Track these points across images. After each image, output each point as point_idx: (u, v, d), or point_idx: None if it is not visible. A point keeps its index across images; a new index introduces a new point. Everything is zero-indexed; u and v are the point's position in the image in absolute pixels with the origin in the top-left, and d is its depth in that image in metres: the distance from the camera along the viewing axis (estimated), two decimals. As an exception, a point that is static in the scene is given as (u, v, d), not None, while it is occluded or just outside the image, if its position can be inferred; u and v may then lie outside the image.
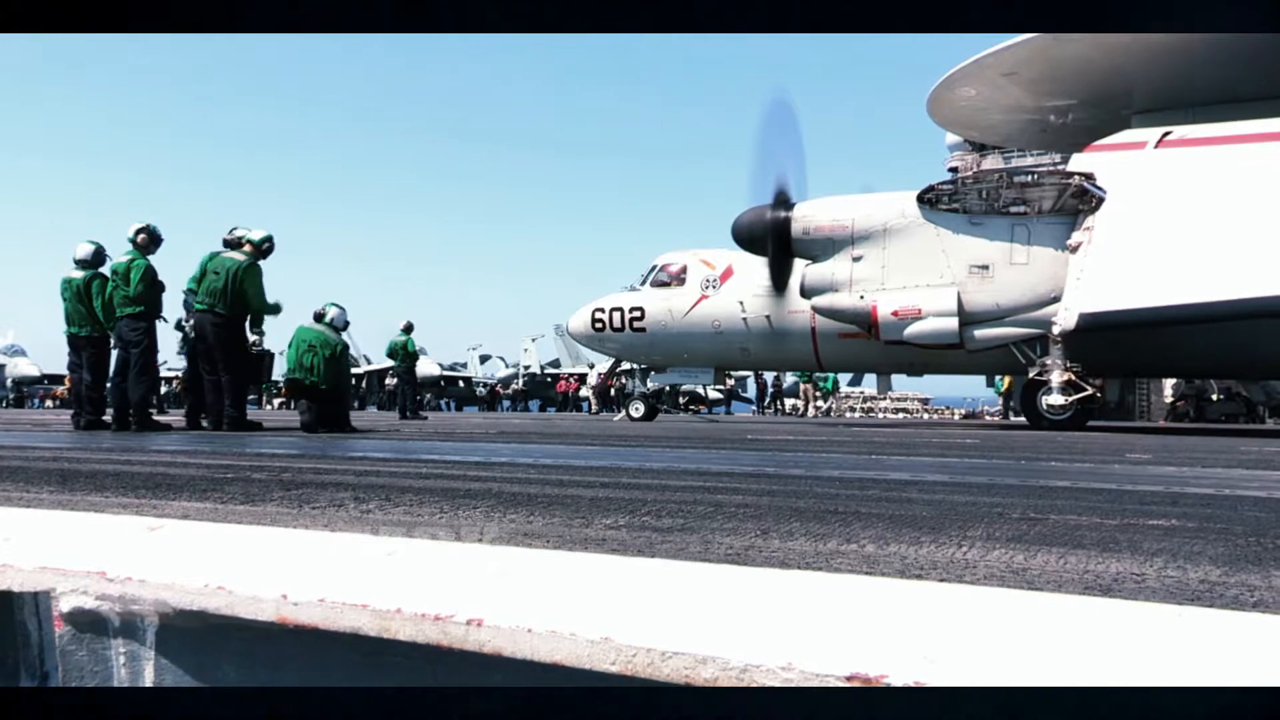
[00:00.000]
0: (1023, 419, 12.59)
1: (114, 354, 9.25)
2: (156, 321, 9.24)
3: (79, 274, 9.13)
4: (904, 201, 12.59)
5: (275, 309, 9.54)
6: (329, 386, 9.37)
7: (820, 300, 12.93)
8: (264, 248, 9.46)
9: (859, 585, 1.38)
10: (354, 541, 1.73)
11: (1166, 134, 11.16)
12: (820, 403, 32.23)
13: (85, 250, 9.24)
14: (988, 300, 11.86)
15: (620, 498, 2.94)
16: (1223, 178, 10.39)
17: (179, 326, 10.60)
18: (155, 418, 9.48)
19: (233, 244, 9.49)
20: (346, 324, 9.93)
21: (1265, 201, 9.97)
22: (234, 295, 9.06)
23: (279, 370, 12.00)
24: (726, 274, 14.77)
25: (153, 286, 9.13)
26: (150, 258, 9.22)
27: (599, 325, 15.49)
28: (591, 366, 38.43)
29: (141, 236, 9.25)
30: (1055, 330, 11.18)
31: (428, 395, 39.14)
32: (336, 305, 9.82)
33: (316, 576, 1.46)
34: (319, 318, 9.73)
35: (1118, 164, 11.31)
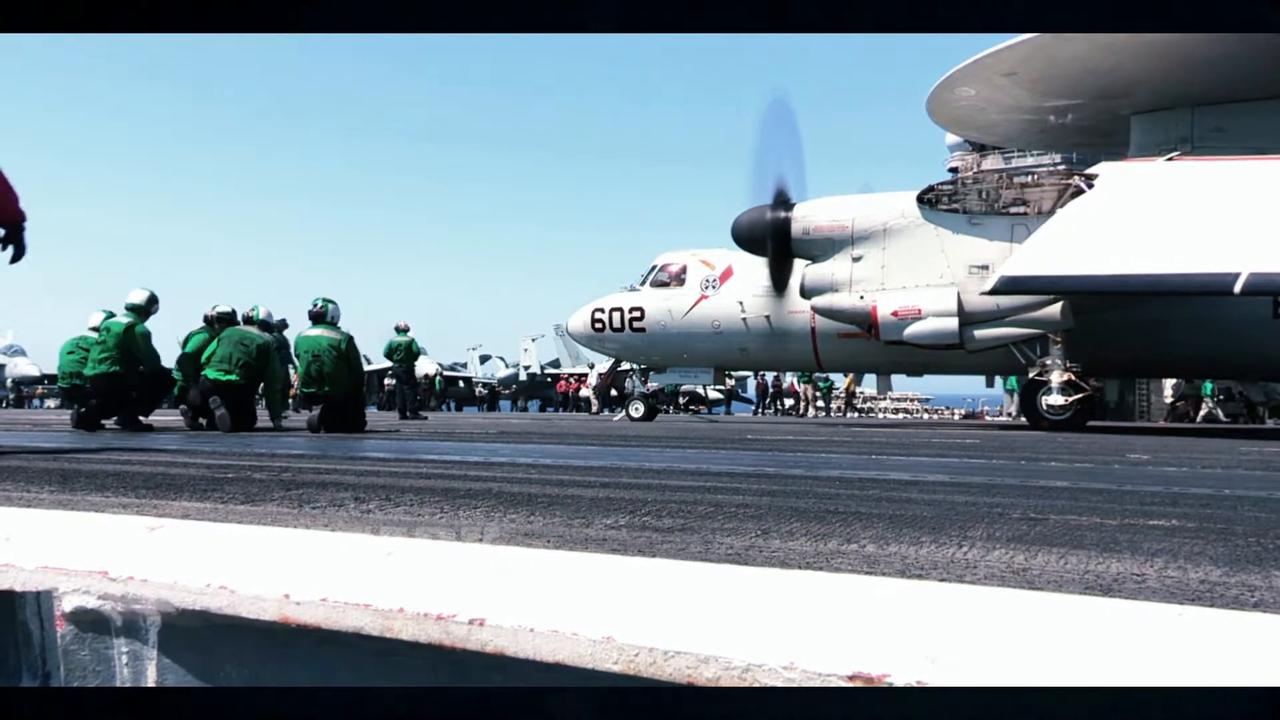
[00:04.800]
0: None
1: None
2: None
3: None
4: (904, 202, 12.59)
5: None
6: (343, 391, 9.40)
7: (820, 300, 12.92)
8: (279, 323, 10.02)
9: (860, 585, 1.39)
10: (355, 541, 1.73)
11: (1184, 152, 11.34)
12: (819, 402, 32.22)
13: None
14: (988, 301, 11.85)
15: (620, 498, 2.94)
16: (1195, 180, 10.46)
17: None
18: (140, 419, 9.59)
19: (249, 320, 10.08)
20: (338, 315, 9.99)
21: (1221, 199, 10.01)
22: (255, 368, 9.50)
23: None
24: (726, 274, 14.76)
25: (149, 348, 9.56)
26: (148, 322, 9.61)
27: (599, 325, 15.49)
28: (592, 366, 38.43)
29: (137, 298, 9.52)
30: (979, 292, 11.22)
31: (432, 398, 39.09)
32: (330, 300, 9.83)
33: (318, 576, 1.46)
34: (319, 317, 9.72)
35: (1121, 169, 11.39)
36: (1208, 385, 23.93)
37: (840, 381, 31.29)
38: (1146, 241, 9.73)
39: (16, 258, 4.85)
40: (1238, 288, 8.77)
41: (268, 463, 4.46)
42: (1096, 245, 10.05)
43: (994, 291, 10.71)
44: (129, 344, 9.32)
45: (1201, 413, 24.42)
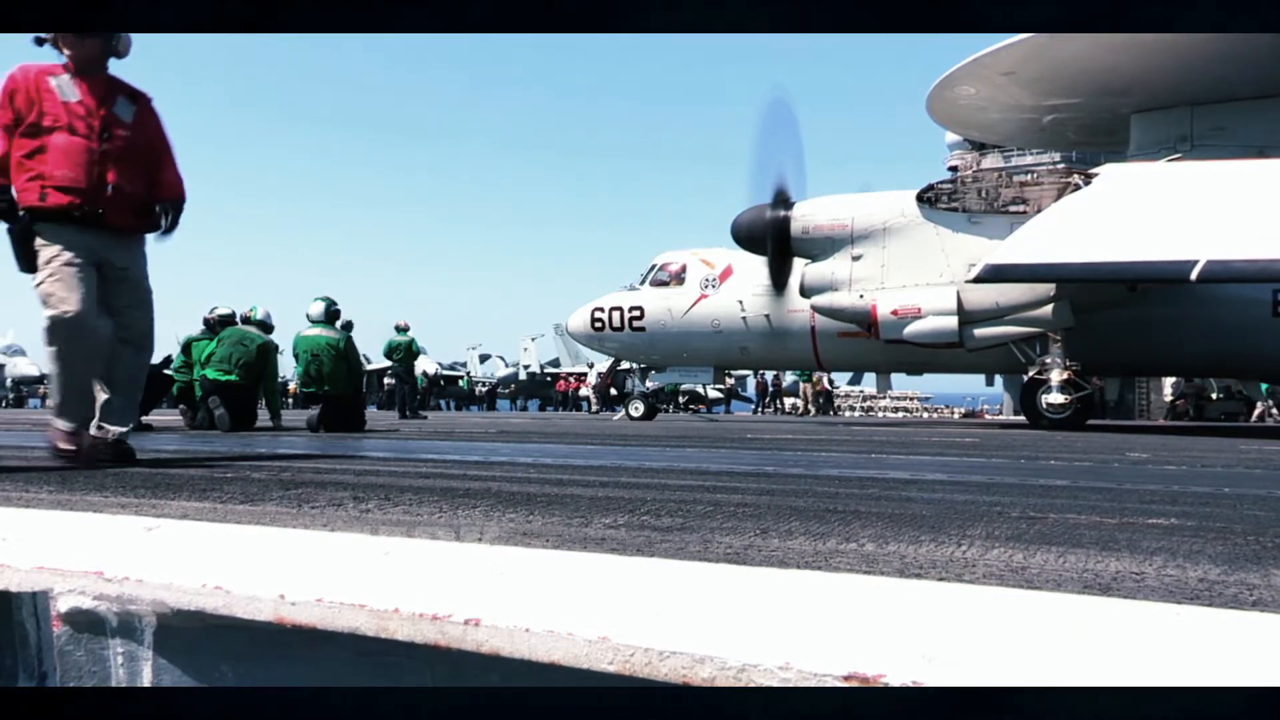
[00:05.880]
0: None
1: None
2: None
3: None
4: (903, 200, 12.58)
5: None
6: (343, 390, 9.42)
7: (820, 299, 12.92)
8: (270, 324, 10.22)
9: (857, 584, 1.38)
10: (352, 541, 1.73)
11: (1183, 151, 11.46)
12: (820, 401, 32.17)
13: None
14: (987, 299, 11.85)
15: (619, 497, 2.94)
16: (1182, 179, 10.63)
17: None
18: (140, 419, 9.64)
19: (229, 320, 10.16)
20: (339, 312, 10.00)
21: (1200, 196, 10.20)
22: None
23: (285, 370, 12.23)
24: (726, 273, 14.76)
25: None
26: None
27: (598, 325, 15.49)
28: (591, 366, 38.45)
29: None
30: (967, 281, 11.33)
31: (431, 397, 39.10)
32: (332, 300, 9.84)
33: (314, 576, 1.46)
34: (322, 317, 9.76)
35: (1121, 169, 11.46)
36: (1263, 385, 23.51)
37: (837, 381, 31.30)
38: (1120, 233, 10.02)
39: (169, 232, 4.45)
40: (1194, 274, 9.06)
41: (267, 462, 4.46)
42: (1076, 237, 10.29)
43: (978, 279, 10.83)
44: None
45: (1255, 412, 24.02)
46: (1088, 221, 10.41)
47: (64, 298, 3.98)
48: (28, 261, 4.05)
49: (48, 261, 4.02)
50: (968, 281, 11.30)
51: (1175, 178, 10.69)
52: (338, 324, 9.90)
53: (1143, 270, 9.96)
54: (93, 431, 4.19)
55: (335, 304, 9.82)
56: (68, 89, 4.09)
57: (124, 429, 4.30)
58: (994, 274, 10.70)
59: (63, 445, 4.08)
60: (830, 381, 32.04)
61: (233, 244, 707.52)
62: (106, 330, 4.12)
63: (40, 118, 4.03)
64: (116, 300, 4.23)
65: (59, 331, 3.99)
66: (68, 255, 4.02)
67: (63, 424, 4.10)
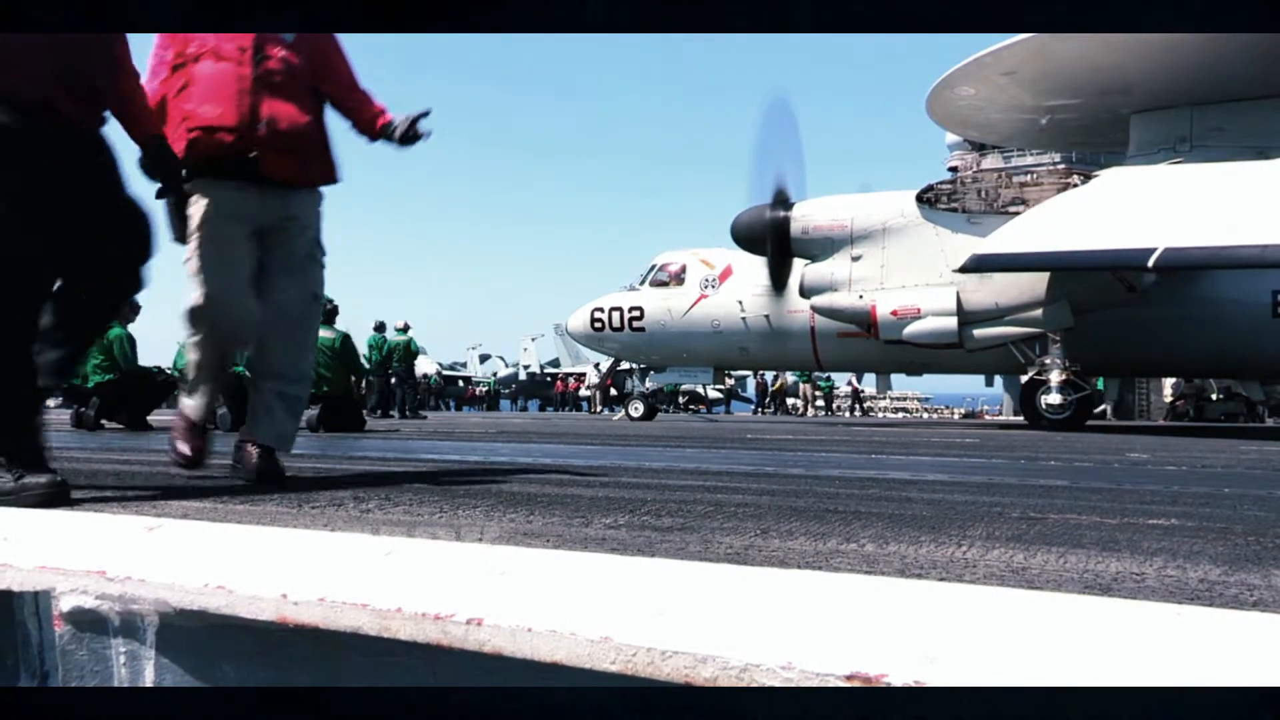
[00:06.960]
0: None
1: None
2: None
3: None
4: (903, 201, 12.58)
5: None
6: (341, 390, 9.42)
7: (819, 300, 12.92)
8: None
9: (859, 584, 1.38)
10: (354, 541, 1.73)
11: (1183, 151, 11.58)
12: (819, 402, 32.19)
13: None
14: (987, 299, 11.86)
15: (620, 497, 2.94)
16: (1171, 181, 10.83)
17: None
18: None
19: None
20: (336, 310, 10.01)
21: (1182, 195, 10.39)
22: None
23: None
24: (725, 274, 14.76)
25: (124, 350, 9.67)
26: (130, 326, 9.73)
27: (598, 325, 15.49)
28: (596, 366, 38.47)
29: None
30: (954, 268, 11.52)
31: (430, 396, 39.14)
32: (330, 300, 9.88)
33: (316, 576, 1.46)
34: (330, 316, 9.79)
35: (1122, 171, 11.52)
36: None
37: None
38: (1097, 227, 10.25)
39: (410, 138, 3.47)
40: (1151, 261, 9.36)
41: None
42: (1057, 230, 10.50)
43: (963, 269, 11.02)
44: (108, 348, 9.43)
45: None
46: (1070, 217, 10.65)
47: (204, 279, 3.26)
48: (180, 229, 3.26)
49: (194, 231, 3.27)
50: (954, 272, 11.43)
51: (1166, 180, 10.81)
52: (353, 324, 9.96)
53: (1106, 258, 10.22)
54: (247, 446, 3.43)
55: (331, 302, 9.81)
56: None
57: (270, 444, 3.41)
58: (977, 264, 10.92)
59: (181, 446, 3.40)
60: (853, 382, 32.06)
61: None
62: (253, 313, 3.36)
63: (186, 44, 3.30)
64: (269, 269, 3.40)
65: (197, 318, 3.31)
66: (210, 227, 3.27)
67: (189, 408, 3.41)
